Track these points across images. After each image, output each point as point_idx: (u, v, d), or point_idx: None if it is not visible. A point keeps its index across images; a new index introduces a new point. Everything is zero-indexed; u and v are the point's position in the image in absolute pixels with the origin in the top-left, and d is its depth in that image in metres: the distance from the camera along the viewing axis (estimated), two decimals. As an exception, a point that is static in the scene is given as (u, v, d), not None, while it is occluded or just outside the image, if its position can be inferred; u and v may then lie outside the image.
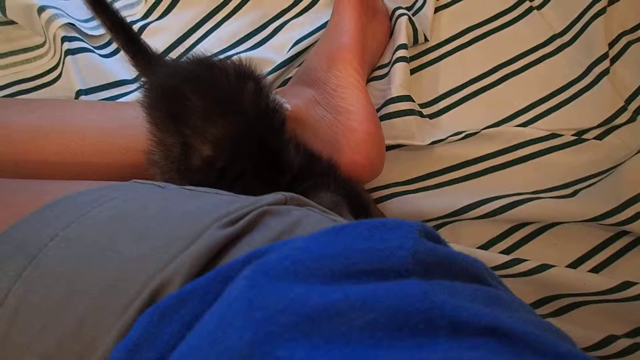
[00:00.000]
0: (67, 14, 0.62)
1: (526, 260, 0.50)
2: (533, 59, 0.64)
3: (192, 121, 0.42)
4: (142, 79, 0.47)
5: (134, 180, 0.38)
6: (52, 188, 0.38)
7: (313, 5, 0.67)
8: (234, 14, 0.67)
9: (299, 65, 0.62)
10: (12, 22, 0.64)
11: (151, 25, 0.64)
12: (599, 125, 0.59)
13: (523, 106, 0.61)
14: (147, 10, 0.66)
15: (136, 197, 0.34)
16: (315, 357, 0.19)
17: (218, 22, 0.67)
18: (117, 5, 0.65)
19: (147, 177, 0.40)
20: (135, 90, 0.60)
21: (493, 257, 0.51)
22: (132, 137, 0.47)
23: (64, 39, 0.59)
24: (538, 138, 0.58)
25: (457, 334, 0.21)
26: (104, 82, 0.60)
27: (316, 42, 0.63)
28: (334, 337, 0.20)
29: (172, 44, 0.64)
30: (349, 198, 0.44)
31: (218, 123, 0.42)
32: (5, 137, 0.45)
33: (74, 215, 0.31)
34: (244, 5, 0.67)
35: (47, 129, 0.46)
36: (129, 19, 0.62)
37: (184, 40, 0.65)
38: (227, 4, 0.67)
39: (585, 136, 0.59)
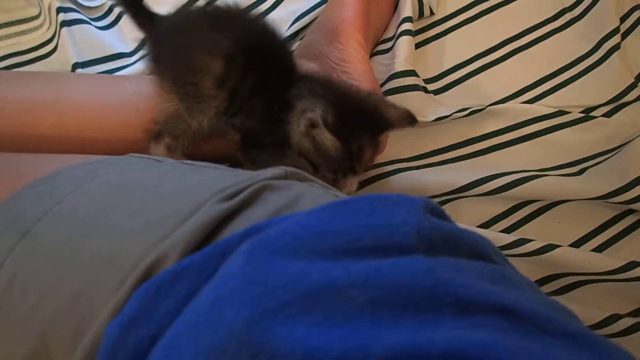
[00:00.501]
0: (62, -16, 0.60)
1: (531, 240, 0.49)
2: (541, 34, 0.62)
3: (201, 39, 0.43)
4: (146, 36, 0.47)
5: (131, 154, 0.37)
6: (46, 162, 0.37)
7: (315, -22, 0.65)
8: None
9: (301, 38, 0.60)
10: (6, -7, 0.62)
11: (149, -4, 0.62)
12: (607, 102, 0.58)
13: (530, 82, 0.60)
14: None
15: (132, 170, 0.33)
16: (314, 334, 0.18)
17: (216, -4, 0.65)
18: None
19: (144, 152, 0.39)
20: (133, 63, 0.58)
21: (498, 237, 0.50)
22: (129, 111, 0.46)
23: (59, 9, 0.58)
24: (545, 115, 0.57)
25: (462, 312, 0.20)
26: (101, 55, 0.58)
27: (318, 16, 0.61)
28: (334, 315, 0.19)
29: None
30: (338, 105, 0.43)
31: (227, 31, 0.43)
32: (0, 110, 0.44)
33: (68, 189, 0.30)
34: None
35: (43, 102, 0.45)
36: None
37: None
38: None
39: (593, 113, 0.58)
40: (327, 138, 0.41)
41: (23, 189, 0.30)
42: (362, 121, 0.44)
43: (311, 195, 0.30)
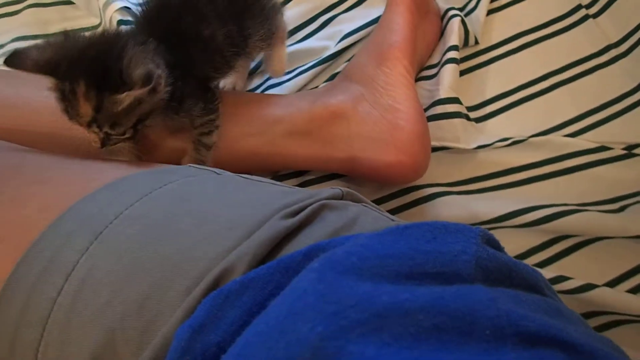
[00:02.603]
0: (124, -3, 0.63)
1: (570, 278, 0.49)
2: (586, 68, 0.62)
3: None
4: None
5: (190, 164, 0.39)
6: (107, 167, 0.39)
7: (364, 1, 0.67)
8: (285, 4, 0.67)
9: (347, 60, 0.62)
10: (69, 2, 0.66)
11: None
12: (651, 141, 0.58)
13: (572, 116, 0.60)
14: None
15: (195, 181, 0.34)
16: (385, 355, 0.19)
17: (267, 13, 0.67)
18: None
19: (194, 161, 0.41)
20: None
21: None
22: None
23: (120, 22, 0.61)
24: (586, 150, 0.57)
25: (524, 343, 0.21)
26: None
27: (365, 37, 0.63)
28: (403, 337, 0.20)
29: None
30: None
31: None
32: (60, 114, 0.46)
33: (137, 196, 0.31)
34: (294, -4, 0.67)
35: None
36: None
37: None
38: (277, -5, 0.67)
39: (635, 151, 0.57)
40: None
41: (92, 193, 0.32)
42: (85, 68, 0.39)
43: (368, 217, 0.31)
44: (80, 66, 0.39)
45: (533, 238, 0.54)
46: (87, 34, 0.43)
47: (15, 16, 0.65)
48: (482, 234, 0.27)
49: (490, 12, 0.65)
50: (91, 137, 0.41)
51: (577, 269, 0.52)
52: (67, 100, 0.39)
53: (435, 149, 0.57)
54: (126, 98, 0.38)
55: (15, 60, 0.39)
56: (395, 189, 0.56)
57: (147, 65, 0.39)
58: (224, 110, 0.49)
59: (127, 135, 0.41)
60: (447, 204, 0.55)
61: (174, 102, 0.43)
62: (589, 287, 0.49)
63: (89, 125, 0.40)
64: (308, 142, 0.51)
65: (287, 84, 0.60)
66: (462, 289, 0.22)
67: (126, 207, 0.30)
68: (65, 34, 0.41)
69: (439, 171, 0.57)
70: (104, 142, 0.41)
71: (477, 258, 0.25)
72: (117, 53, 0.39)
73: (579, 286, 0.49)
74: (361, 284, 0.22)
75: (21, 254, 0.29)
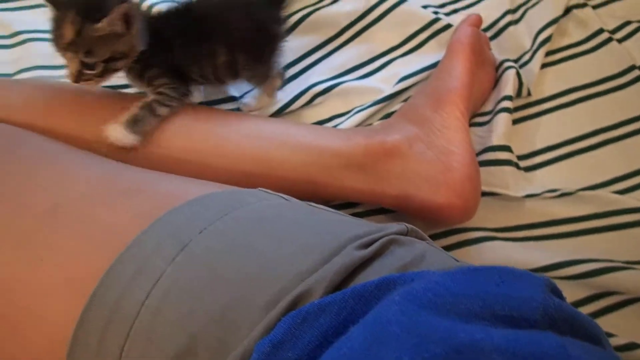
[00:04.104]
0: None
1: (614, 335, 0.49)
2: (637, 127, 0.63)
3: None
4: None
5: (259, 188, 0.41)
6: (191, 184, 0.41)
7: (420, 47, 0.70)
8: (344, 46, 0.71)
9: (403, 101, 0.64)
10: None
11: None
12: (702, 204, 0.58)
13: (622, 173, 0.60)
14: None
15: (269, 205, 0.37)
16: None
17: (327, 53, 0.70)
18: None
19: (261, 186, 0.43)
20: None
21: None
22: (255, 147, 0.51)
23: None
24: (635, 208, 0.57)
25: None
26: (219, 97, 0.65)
27: (420, 81, 0.65)
28: None
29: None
30: None
31: None
32: None
33: (219, 213, 0.34)
34: (354, 39, 0.71)
35: (176, 127, 0.51)
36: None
37: (294, 65, 0.69)
38: (339, 36, 0.71)
39: (685, 213, 0.57)
40: None
41: (181, 206, 0.35)
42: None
43: (434, 256, 0.32)
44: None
45: (577, 291, 0.54)
46: None
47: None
48: (547, 283, 0.28)
49: (544, 65, 0.67)
50: (66, 70, 0.47)
51: (621, 327, 0.52)
52: (57, 26, 0.45)
53: (484, 194, 0.58)
54: (103, 26, 0.44)
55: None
56: (443, 229, 0.57)
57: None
58: (285, 141, 0.53)
59: (97, 71, 0.47)
60: (492, 249, 0.56)
61: (139, 64, 0.50)
62: (634, 346, 0.49)
63: (66, 48, 0.46)
64: (363, 176, 0.53)
65: (344, 122, 0.63)
66: (534, 333, 0.24)
67: (210, 223, 0.33)
68: None
69: (486, 216, 0.58)
70: (77, 77, 0.47)
71: (544, 306, 0.26)
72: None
73: (623, 344, 0.49)
74: (440, 320, 0.23)
75: (115, 257, 0.32)
